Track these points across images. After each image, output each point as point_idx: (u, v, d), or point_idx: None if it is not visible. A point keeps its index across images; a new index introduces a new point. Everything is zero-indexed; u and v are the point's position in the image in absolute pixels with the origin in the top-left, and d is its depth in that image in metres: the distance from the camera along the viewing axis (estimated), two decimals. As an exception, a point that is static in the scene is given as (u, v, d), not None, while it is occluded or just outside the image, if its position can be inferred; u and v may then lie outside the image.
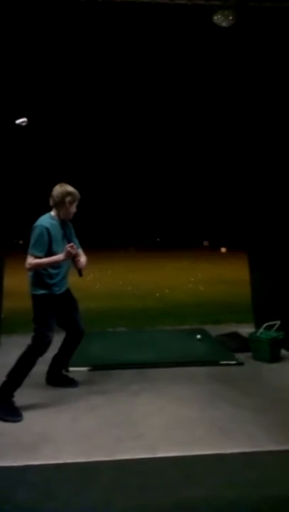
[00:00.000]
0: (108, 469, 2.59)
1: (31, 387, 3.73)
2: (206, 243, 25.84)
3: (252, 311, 5.75)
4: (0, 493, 2.39)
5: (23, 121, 3.32)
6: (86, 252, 3.74)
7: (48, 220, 3.52)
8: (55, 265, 3.48)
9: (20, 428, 3.09)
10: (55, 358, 3.89)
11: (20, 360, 3.37)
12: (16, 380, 3.34)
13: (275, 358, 4.45)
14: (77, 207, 3.69)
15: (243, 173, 5.85)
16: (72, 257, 3.50)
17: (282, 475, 2.52)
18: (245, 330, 5.23)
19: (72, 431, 3.04)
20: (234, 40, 4.86)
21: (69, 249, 3.41)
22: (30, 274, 3.52)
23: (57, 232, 3.51)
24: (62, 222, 3.60)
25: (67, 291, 3.74)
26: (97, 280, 10.98)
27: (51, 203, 3.59)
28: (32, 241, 3.42)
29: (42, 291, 3.48)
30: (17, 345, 3.56)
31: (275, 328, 4.56)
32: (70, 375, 4.08)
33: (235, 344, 4.92)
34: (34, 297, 3.50)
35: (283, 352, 4.63)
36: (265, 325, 4.59)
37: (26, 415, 3.24)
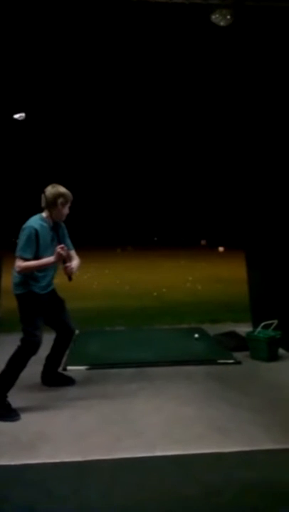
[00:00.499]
0: (106, 468, 2.59)
1: (29, 386, 3.73)
2: (203, 242, 25.83)
3: (249, 310, 5.76)
4: (-2, 492, 2.39)
5: (20, 116, 3.29)
6: (82, 251, 3.72)
7: (38, 221, 3.44)
8: (42, 268, 3.41)
9: (18, 427, 3.08)
10: (48, 358, 3.85)
11: (10, 361, 3.33)
12: (7, 382, 3.31)
13: (272, 357, 4.46)
14: (75, 205, 3.63)
15: (241, 173, 5.86)
16: (63, 260, 3.42)
17: (280, 474, 2.52)
18: (243, 329, 5.24)
19: (70, 430, 3.04)
20: (232, 39, 4.86)
21: (59, 250, 3.32)
22: (14, 274, 3.44)
23: (46, 235, 3.43)
24: (54, 224, 3.52)
25: (53, 292, 3.68)
26: (95, 279, 10.97)
27: (43, 204, 3.50)
28: (21, 243, 3.34)
29: (25, 290, 3.40)
30: (15, 344, 3.55)
31: (272, 328, 4.58)
32: (68, 374, 4.08)
33: (233, 343, 4.93)
34: (18, 297, 3.44)
35: (281, 351, 4.64)
36: (262, 324, 4.60)
37: (24, 414, 3.24)
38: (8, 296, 3.49)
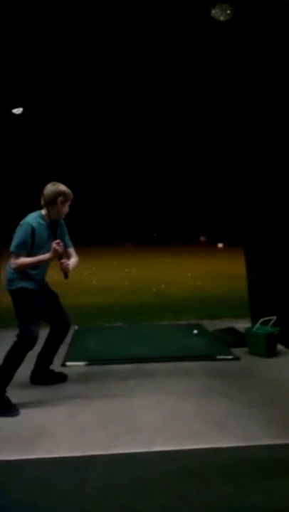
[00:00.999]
0: (105, 463, 2.60)
1: (28, 382, 3.74)
2: (202, 238, 25.81)
3: (248, 306, 5.77)
4: (-3, 487, 2.40)
5: (17, 110, 3.27)
6: (82, 247, 3.71)
7: (36, 219, 3.39)
8: (38, 265, 3.38)
9: (17, 423, 3.09)
10: (40, 355, 3.76)
11: (7, 357, 3.32)
12: (5, 377, 3.30)
13: (271, 353, 4.47)
14: (74, 201, 3.57)
15: (240, 169, 5.85)
16: (59, 256, 3.37)
17: (278, 469, 2.54)
18: (242, 325, 5.25)
19: (69, 425, 3.05)
20: (232, 34, 4.83)
21: (55, 245, 3.28)
22: (8, 270, 3.41)
23: (42, 233, 3.38)
24: (53, 222, 3.46)
25: (46, 287, 3.66)
26: (94, 275, 10.97)
27: (42, 202, 3.44)
28: (17, 239, 3.30)
29: (18, 286, 3.37)
30: (13, 339, 3.55)
31: (271, 324, 4.58)
32: (67, 369, 4.09)
33: (232, 339, 4.94)
34: (11, 292, 3.41)
35: (279, 347, 4.65)
36: (261, 320, 4.61)
37: (24, 410, 3.25)
38: (7, 292, 3.49)
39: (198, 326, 5.61)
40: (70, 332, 4.07)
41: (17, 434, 2.92)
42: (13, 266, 3.32)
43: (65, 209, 3.51)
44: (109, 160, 24.78)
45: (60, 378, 3.85)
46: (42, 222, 3.41)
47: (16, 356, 3.32)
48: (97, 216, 26.10)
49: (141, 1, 4.30)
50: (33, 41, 4.88)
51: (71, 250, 3.64)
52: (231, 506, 2.25)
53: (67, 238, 3.63)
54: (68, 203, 3.52)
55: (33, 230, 3.31)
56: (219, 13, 4.38)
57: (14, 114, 3.29)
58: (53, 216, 3.45)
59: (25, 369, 3.56)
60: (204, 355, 4.51)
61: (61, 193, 3.44)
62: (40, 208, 3.50)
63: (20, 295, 3.38)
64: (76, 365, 4.24)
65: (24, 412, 3.22)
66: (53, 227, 3.46)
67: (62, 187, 3.47)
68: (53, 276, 3.80)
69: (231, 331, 5.26)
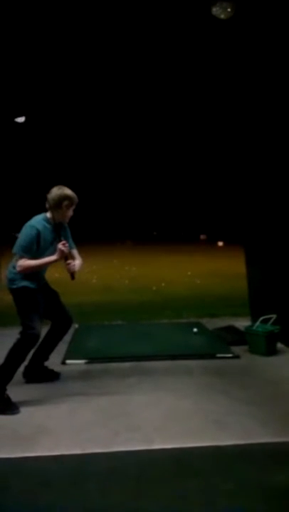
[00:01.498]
0: (105, 461, 2.61)
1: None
2: (202, 237, 25.82)
3: (248, 305, 5.78)
4: (-3, 485, 2.41)
5: (20, 119, 3.30)
6: (83, 245, 3.72)
7: (41, 222, 3.41)
8: (44, 267, 3.40)
9: (17, 420, 3.10)
10: (37, 351, 3.73)
11: (9, 354, 3.33)
12: (7, 375, 3.31)
13: (271, 351, 4.48)
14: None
15: (240, 168, 5.84)
16: (65, 257, 3.40)
17: (277, 467, 2.54)
18: (242, 323, 5.25)
19: (69, 423, 3.06)
20: (232, 32, 4.83)
21: (61, 246, 3.31)
22: (9, 269, 3.43)
23: (47, 236, 3.40)
24: (57, 225, 3.48)
25: (45, 285, 3.68)
26: (94, 274, 10.97)
27: (47, 205, 3.45)
28: (22, 241, 3.32)
29: (19, 286, 3.38)
30: (14, 337, 3.56)
31: (271, 322, 4.59)
32: (67, 367, 4.10)
33: (232, 337, 4.95)
34: (13, 291, 3.42)
35: (279, 345, 4.66)
36: (261, 318, 4.61)
37: (24, 408, 3.25)
38: (7, 291, 3.49)
39: (198, 325, 5.62)
40: (70, 330, 4.07)
41: (17, 431, 2.93)
42: (18, 268, 3.34)
43: (70, 213, 3.53)
44: (110, 159, 24.78)
45: (52, 376, 3.86)
46: (47, 225, 3.44)
47: (18, 354, 3.34)
48: (97, 214, 26.11)
49: (141, 0, 4.29)
50: (35, 50, 4.88)
51: (74, 252, 3.68)
52: (231, 504, 2.25)
53: (70, 241, 3.66)
54: (73, 207, 3.53)
55: (38, 233, 3.34)
56: (220, 11, 4.38)
57: (17, 123, 3.30)
58: (57, 219, 3.47)
59: (26, 367, 3.56)
60: (204, 354, 4.51)
61: (67, 197, 3.45)
62: (44, 209, 3.51)
63: (22, 294, 3.40)
64: (76, 363, 4.25)
65: (24, 410, 3.23)
66: (57, 230, 3.48)
67: (67, 191, 3.48)
68: (53, 275, 3.81)
69: (231, 330, 5.26)
